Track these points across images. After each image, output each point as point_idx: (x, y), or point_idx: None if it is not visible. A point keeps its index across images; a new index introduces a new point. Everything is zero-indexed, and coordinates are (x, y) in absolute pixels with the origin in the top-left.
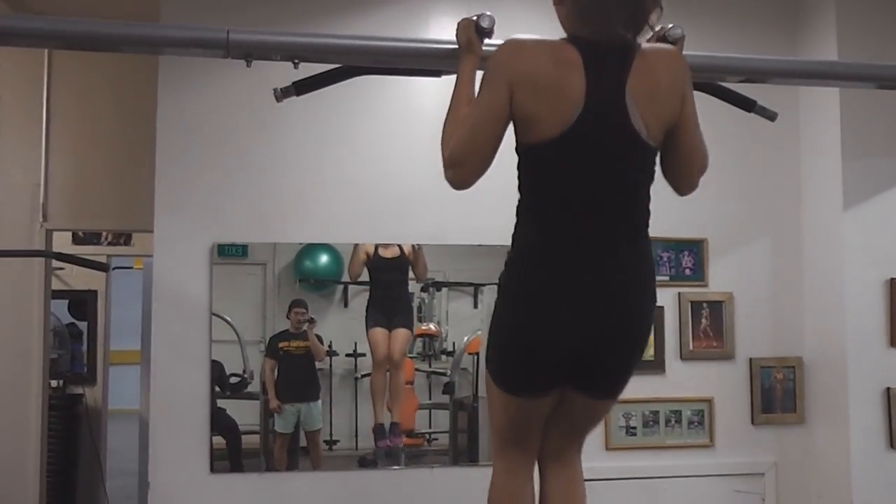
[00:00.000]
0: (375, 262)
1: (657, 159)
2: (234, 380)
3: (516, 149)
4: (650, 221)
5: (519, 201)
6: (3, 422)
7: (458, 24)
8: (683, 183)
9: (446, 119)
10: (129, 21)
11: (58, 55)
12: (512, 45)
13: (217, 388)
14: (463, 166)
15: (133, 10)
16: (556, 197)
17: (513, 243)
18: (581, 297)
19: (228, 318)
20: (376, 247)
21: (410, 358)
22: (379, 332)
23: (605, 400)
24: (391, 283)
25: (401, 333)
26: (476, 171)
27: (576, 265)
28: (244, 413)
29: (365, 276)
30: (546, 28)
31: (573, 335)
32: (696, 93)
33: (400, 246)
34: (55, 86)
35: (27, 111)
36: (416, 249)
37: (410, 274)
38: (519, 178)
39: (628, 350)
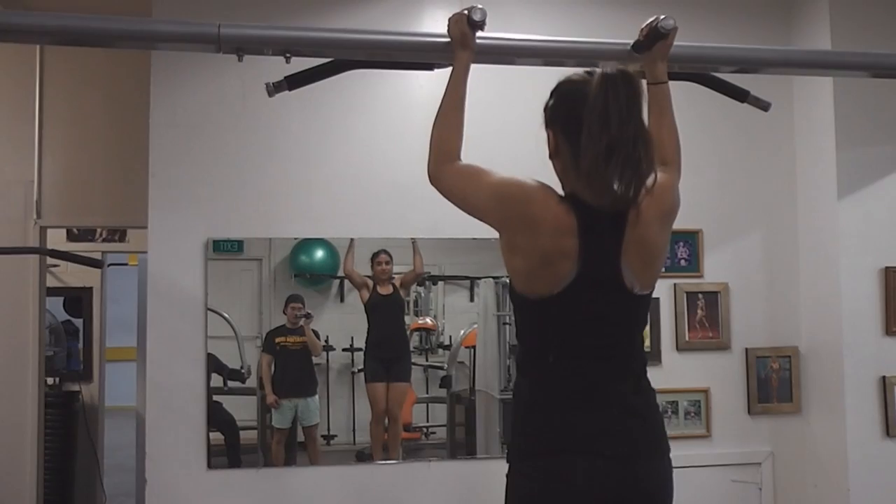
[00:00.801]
0: (373, 300)
1: (649, 303)
2: (232, 374)
3: (510, 292)
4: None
5: (518, 350)
6: (0, 419)
7: (450, 18)
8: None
9: (437, 117)
10: (123, 17)
11: (49, 51)
12: (522, 198)
13: (217, 375)
14: (439, 191)
15: (125, 7)
16: (554, 349)
17: (515, 400)
18: (595, 450)
19: (225, 315)
20: (374, 285)
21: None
22: (378, 387)
23: None
24: (388, 321)
25: (399, 388)
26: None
27: (587, 412)
28: (241, 409)
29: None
30: (535, 22)
31: (592, 491)
32: (689, 83)
33: (393, 284)
34: (47, 82)
35: (19, 108)
36: (413, 243)
37: (406, 310)
38: (516, 321)
39: (648, 497)
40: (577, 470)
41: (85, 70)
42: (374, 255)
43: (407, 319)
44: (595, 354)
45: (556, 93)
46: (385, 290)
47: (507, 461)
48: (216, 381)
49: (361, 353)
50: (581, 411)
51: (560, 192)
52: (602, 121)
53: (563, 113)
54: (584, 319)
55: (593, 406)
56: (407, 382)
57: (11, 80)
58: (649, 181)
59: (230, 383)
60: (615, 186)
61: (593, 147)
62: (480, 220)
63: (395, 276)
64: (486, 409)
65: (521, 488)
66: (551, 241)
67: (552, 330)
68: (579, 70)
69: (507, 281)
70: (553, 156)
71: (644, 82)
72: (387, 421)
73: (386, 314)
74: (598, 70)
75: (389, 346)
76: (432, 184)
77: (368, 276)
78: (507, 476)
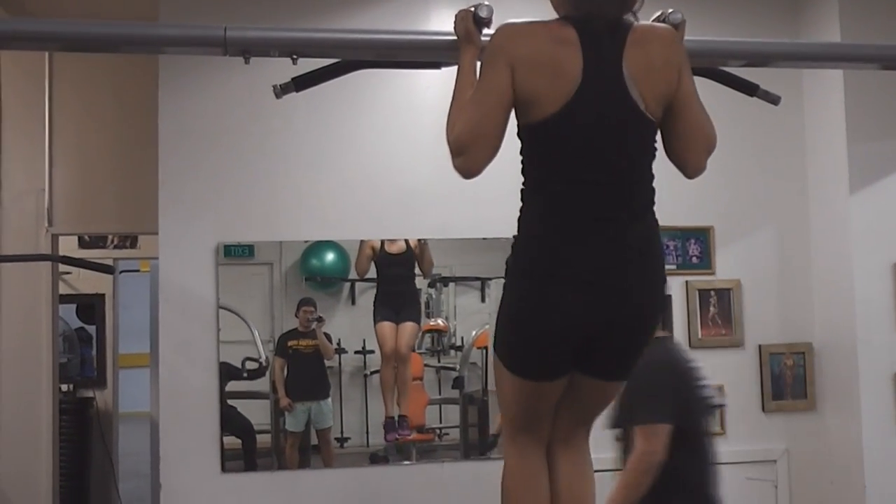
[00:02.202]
0: (382, 258)
1: (657, 136)
2: (251, 365)
3: (518, 133)
4: (655, 202)
5: (523, 184)
6: (16, 426)
7: (456, 15)
8: (690, 161)
9: (450, 110)
10: (130, 22)
11: (59, 59)
12: (508, 28)
13: (231, 382)
14: (470, 152)
15: (132, 12)
16: (558, 174)
17: (518, 226)
18: (588, 277)
19: (238, 312)
20: (382, 242)
21: (419, 354)
22: (387, 326)
23: (615, 381)
24: (398, 278)
25: (408, 327)
26: (484, 156)
27: (582, 244)
28: (255, 412)
29: (372, 272)
30: (541, 18)
31: (581, 314)
32: (698, 79)
33: (406, 241)
34: (57, 90)
35: (30, 117)
36: (422, 244)
37: (417, 269)
38: (522, 161)
39: (637, 330)
40: (565, 295)
41: (94, 78)
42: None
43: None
44: (599, 180)
45: None
46: (394, 247)
47: (505, 275)
48: (230, 386)
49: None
50: (579, 243)
51: None
52: None
53: None
54: (590, 135)
55: (592, 238)
56: (415, 323)
57: (21, 90)
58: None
59: (244, 387)
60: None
61: None
62: (505, 96)
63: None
64: (499, 411)
65: (513, 303)
66: (552, 46)
67: (558, 150)
68: None
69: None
70: None
71: None
72: (396, 366)
73: (396, 270)
74: None
75: (399, 296)
76: (461, 163)
77: (374, 243)
78: (503, 288)
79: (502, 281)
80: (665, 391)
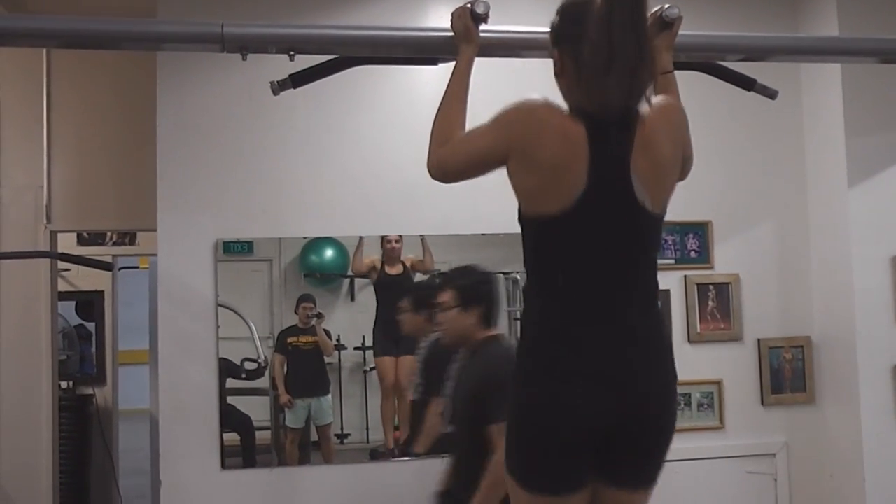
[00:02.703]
0: (381, 279)
1: (662, 226)
2: (249, 366)
3: (519, 219)
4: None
5: (526, 279)
6: (15, 424)
7: (453, 12)
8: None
9: (439, 110)
10: (127, 18)
11: (57, 56)
12: (524, 112)
13: (231, 379)
14: (446, 177)
15: (130, 9)
16: (564, 272)
17: (523, 326)
18: (600, 373)
19: (237, 310)
20: (383, 264)
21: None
22: (386, 361)
23: (639, 491)
24: (397, 301)
25: (408, 360)
26: (458, 181)
27: (592, 342)
28: (255, 409)
29: (372, 296)
30: (538, 14)
31: (595, 411)
32: (695, 74)
33: (403, 263)
34: (55, 87)
35: (28, 113)
36: (422, 241)
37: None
38: (524, 251)
39: (653, 427)
40: (580, 395)
41: (92, 74)
42: (384, 237)
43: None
44: (604, 276)
45: (560, 11)
46: (394, 269)
47: (512, 381)
48: (230, 382)
49: (373, 353)
50: (585, 335)
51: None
52: (604, 30)
53: (566, 29)
54: (595, 236)
55: (598, 330)
56: (415, 356)
57: (20, 86)
58: (649, 89)
59: (243, 384)
60: (616, 94)
61: (595, 57)
62: (492, 163)
63: (406, 259)
64: None
65: (521, 405)
66: (560, 148)
67: (562, 250)
68: None
69: (517, 278)
70: (559, 75)
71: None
72: (395, 399)
73: (395, 293)
74: None
75: (397, 326)
76: (434, 173)
77: (376, 257)
78: (511, 397)
79: (501, 277)
80: None
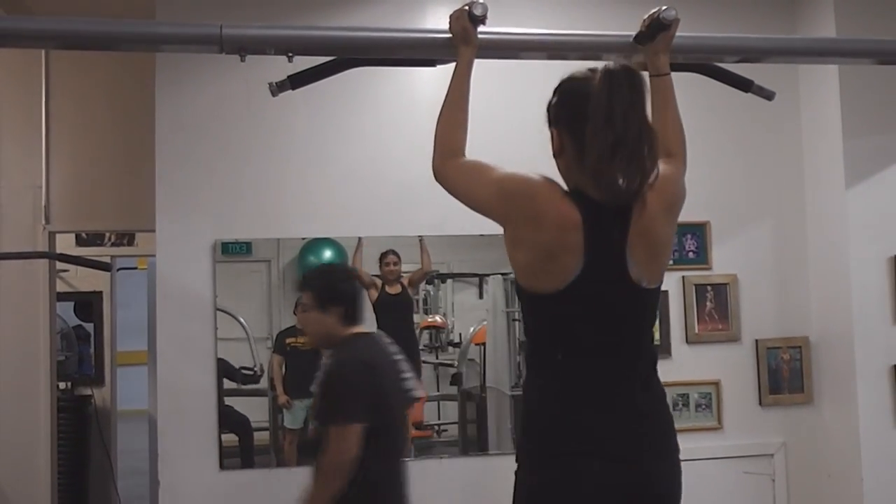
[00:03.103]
0: (382, 299)
1: (658, 298)
2: (245, 373)
3: (516, 288)
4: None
5: (527, 348)
6: (14, 425)
7: (451, 15)
8: None
9: (442, 113)
10: (125, 20)
11: (55, 56)
12: (524, 194)
13: (227, 381)
14: (448, 191)
15: (129, 10)
16: (562, 348)
17: (525, 402)
18: (605, 455)
19: (240, 319)
20: (383, 284)
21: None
22: None
23: None
24: (397, 322)
25: None
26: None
27: (594, 422)
28: (253, 410)
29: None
30: (536, 15)
31: (603, 496)
32: (693, 75)
33: (401, 283)
34: (53, 87)
35: (26, 113)
36: (420, 241)
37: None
38: (523, 318)
39: (657, 500)
40: (585, 473)
41: (91, 76)
42: (382, 256)
43: (416, 318)
44: (603, 352)
45: (558, 91)
46: (393, 289)
47: (517, 461)
48: (228, 383)
49: None
50: (590, 413)
51: (564, 188)
52: (606, 118)
53: (566, 111)
54: (591, 315)
55: (602, 407)
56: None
57: (19, 87)
58: (652, 176)
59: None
60: (620, 182)
61: (598, 144)
62: (485, 215)
63: (404, 275)
64: (497, 406)
65: (530, 489)
66: (556, 235)
67: (559, 327)
68: (582, 67)
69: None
70: (557, 155)
71: (647, 75)
72: None
73: (394, 314)
74: (601, 67)
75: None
76: (437, 180)
77: (377, 276)
78: (516, 475)
79: (499, 277)
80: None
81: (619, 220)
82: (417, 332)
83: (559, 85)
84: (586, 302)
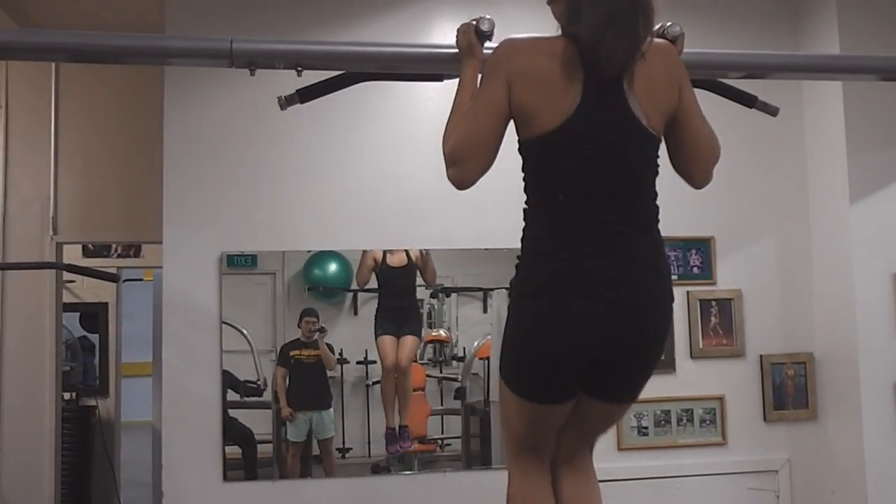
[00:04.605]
0: (384, 270)
1: (659, 152)
2: (249, 387)
3: (519, 149)
4: (660, 219)
5: (525, 202)
6: (18, 434)
7: (458, 29)
8: (696, 173)
9: (448, 121)
10: (136, 33)
11: (65, 69)
12: (509, 43)
13: (231, 392)
14: (463, 163)
15: (139, 23)
16: (561, 191)
17: (522, 245)
18: (596, 292)
19: (243, 330)
20: (384, 254)
21: (422, 364)
22: (387, 340)
23: (622, 404)
24: (400, 290)
25: (409, 340)
26: (477, 167)
27: (588, 260)
28: (257, 422)
29: (373, 283)
30: (541, 30)
31: (590, 329)
32: (697, 91)
33: (407, 252)
34: (63, 99)
35: (36, 125)
36: (425, 255)
37: (419, 280)
38: (524, 178)
39: (644, 347)
40: (577, 311)
41: (100, 87)
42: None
43: (422, 333)
44: (603, 194)
45: None
46: (397, 260)
47: (509, 296)
48: (231, 395)
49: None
50: (586, 256)
51: None
52: None
53: None
54: (592, 150)
55: (599, 251)
56: (416, 336)
57: (28, 99)
58: (644, 45)
59: (246, 397)
60: (613, 51)
61: (593, 10)
62: (501, 112)
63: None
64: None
65: (522, 324)
66: (552, 61)
67: (560, 167)
68: None
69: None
70: (552, 0)
71: None
72: (396, 379)
73: (398, 283)
74: None
75: (400, 310)
76: (458, 181)
77: (376, 253)
78: (508, 310)
79: (504, 292)
80: None
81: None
82: (422, 345)
83: None
84: (587, 135)
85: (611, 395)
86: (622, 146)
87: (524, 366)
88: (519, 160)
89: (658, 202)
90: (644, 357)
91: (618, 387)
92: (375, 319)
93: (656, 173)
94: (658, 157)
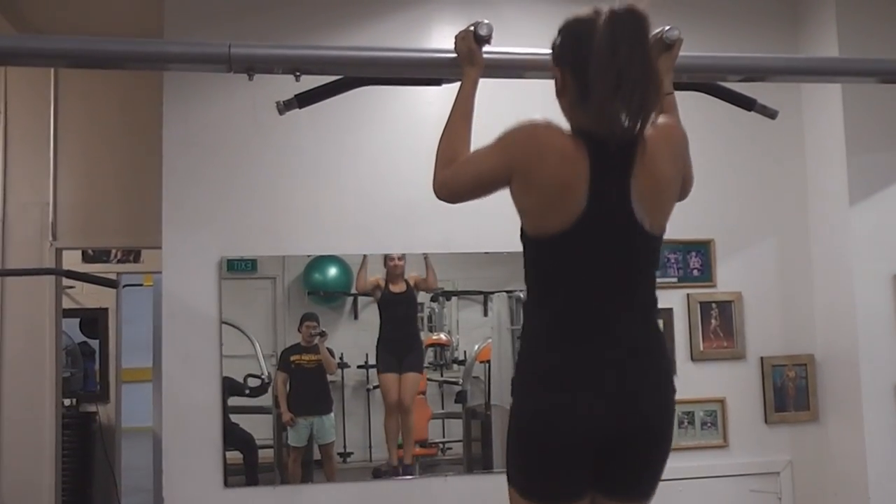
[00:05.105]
0: (385, 297)
1: (661, 245)
2: (253, 382)
3: (521, 237)
4: (658, 309)
5: (526, 296)
6: (18, 441)
7: (457, 35)
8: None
9: (445, 130)
10: (134, 38)
11: (64, 74)
12: (526, 134)
13: (234, 396)
14: (452, 197)
15: (138, 28)
16: (561, 288)
17: (523, 339)
18: (598, 382)
19: (241, 327)
20: (387, 282)
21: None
22: (390, 378)
23: (637, 502)
24: (400, 319)
25: (410, 378)
26: (466, 200)
27: (590, 351)
28: (257, 427)
29: (375, 313)
30: (541, 35)
31: (594, 427)
32: (697, 94)
33: (406, 281)
34: (62, 105)
35: (35, 130)
36: (426, 269)
37: (422, 294)
38: (525, 267)
39: (654, 443)
40: (581, 405)
41: (99, 93)
42: (386, 255)
43: (422, 336)
44: (605, 292)
45: (563, 31)
46: (397, 287)
47: (512, 394)
48: (232, 400)
49: (375, 371)
50: (588, 349)
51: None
52: (610, 54)
53: (570, 49)
54: (594, 254)
55: (600, 344)
56: (418, 373)
57: (28, 104)
58: (654, 115)
59: (246, 402)
60: (622, 119)
61: (601, 80)
62: (492, 185)
63: (410, 277)
64: (502, 424)
65: (525, 421)
66: (560, 169)
67: (563, 267)
68: (586, 8)
69: (521, 296)
70: (560, 94)
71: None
72: (399, 417)
73: (398, 311)
74: (605, 8)
75: (401, 342)
76: (439, 193)
77: (380, 276)
78: (511, 409)
79: (504, 295)
80: None
81: (624, 158)
82: (423, 349)
83: (563, 25)
84: (590, 240)
85: (622, 492)
86: (624, 250)
87: (530, 464)
88: None
89: (657, 293)
90: (650, 446)
91: (628, 482)
92: (377, 353)
93: (657, 266)
94: (659, 251)
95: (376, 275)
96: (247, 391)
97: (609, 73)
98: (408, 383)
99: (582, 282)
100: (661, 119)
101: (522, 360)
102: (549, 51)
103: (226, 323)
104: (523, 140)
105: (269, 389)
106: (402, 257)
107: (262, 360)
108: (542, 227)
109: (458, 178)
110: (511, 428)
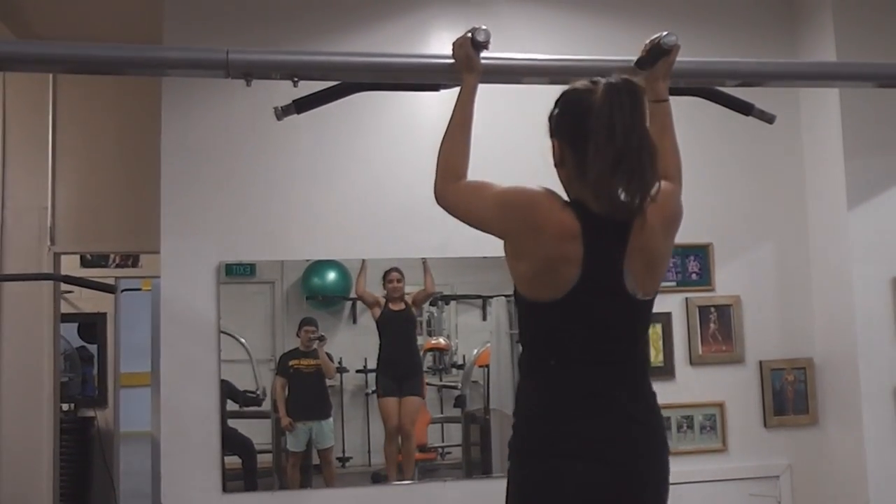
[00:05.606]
0: (385, 315)
1: (653, 305)
2: (249, 396)
3: (514, 295)
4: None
5: (521, 354)
6: (16, 446)
7: (454, 42)
8: None
9: (444, 138)
10: (133, 44)
11: (62, 79)
12: (525, 205)
13: (231, 401)
14: (446, 210)
15: (136, 34)
16: (556, 355)
17: (518, 405)
18: (596, 451)
19: (241, 340)
20: (387, 301)
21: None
22: (390, 402)
23: None
24: (400, 338)
25: (410, 402)
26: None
27: (587, 420)
28: (256, 432)
29: (374, 331)
30: (538, 40)
31: (593, 495)
32: (694, 99)
33: (405, 300)
34: (60, 109)
35: (33, 135)
36: (424, 264)
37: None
38: (519, 325)
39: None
40: (577, 474)
41: (97, 98)
42: (386, 273)
43: (420, 340)
44: (596, 360)
45: (560, 103)
46: (397, 306)
47: (509, 460)
48: (231, 405)
49: (374, 374)
50: (582, 418)
51: (565, 198)
52: (608, 132)
53: (567, 124)
54: (586, 324)
55: (594, 412)
56: (419, 397)
57: (26, 109)
58: (654, 190)
59: (245, 407)
60: (621, 196)
61: (600, 158)
62: (486, 231)
63: (408, 293)
64: (501, 428)
65: (523, 489)
66: (555, 245)
67: (554, 334)
68: (584, 79)
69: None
70: (558, 165)
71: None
72: (400, 440)
73: (398, 331)
74: (602, 80)
75: (401, 363)
76: (438, 202)
77: (380, 295)
78: (509, 475)
79: (503, 299)
80: None
81: (619, 234)
82: (421, 352)
83: (561, 96)
84: (582, 311)
85: None
86: (615, 319)
87: None
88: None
89: (648, 353)
90: None
91: None
92: (377, 375)
93: (648, 328)
94: (651, 313)
95: (376, 293)
96: (242, 406)
97: (607, 153)
98: (408, 408)
99: (574, 349)
100: (663, 186)
101: (517, 425)
102: (547, 121)
103: (224, 332)
104: (522, 209)
105: (267, 397)
106: (400, 278)
107: (257, 372)
108: (533, 294)
109: (456, 205)
110: (511, 493)
